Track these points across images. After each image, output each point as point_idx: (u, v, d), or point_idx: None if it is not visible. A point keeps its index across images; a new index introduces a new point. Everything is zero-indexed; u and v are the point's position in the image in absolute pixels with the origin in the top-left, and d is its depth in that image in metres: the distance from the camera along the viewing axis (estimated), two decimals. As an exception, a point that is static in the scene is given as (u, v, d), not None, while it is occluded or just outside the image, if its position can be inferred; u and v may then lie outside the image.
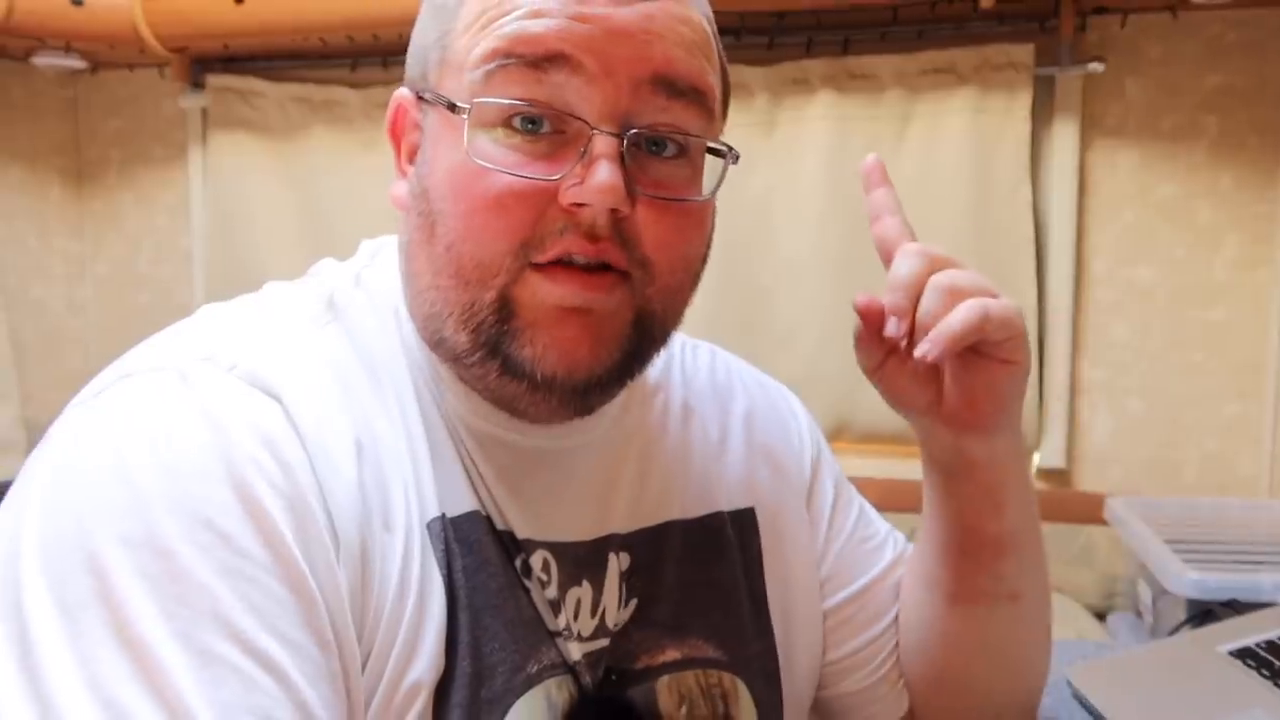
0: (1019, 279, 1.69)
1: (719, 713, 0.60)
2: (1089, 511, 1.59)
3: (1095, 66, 1.64)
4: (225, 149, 2.06)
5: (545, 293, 0.50)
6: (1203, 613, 1.08)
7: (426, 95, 0.53)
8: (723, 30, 0.56)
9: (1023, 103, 1.66)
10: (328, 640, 0.45)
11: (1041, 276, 1.71)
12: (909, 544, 0.75)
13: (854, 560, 0.71)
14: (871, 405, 1.79)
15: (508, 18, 0.50)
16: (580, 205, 0.49)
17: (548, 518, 0.57)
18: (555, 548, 0.57)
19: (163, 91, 2.16)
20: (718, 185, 0.55)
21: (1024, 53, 1.65)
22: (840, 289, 1.76)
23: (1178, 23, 1.64)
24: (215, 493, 0.44)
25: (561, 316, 0.50)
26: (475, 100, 0.49)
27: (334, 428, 0.49)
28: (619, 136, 0.49)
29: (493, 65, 0.49)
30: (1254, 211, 1.64)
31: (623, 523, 0.60)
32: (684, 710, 0.59)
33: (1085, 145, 1.70)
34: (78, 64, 2.03)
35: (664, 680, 0.59)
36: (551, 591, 0.56)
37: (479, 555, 0.53)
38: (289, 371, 0.50)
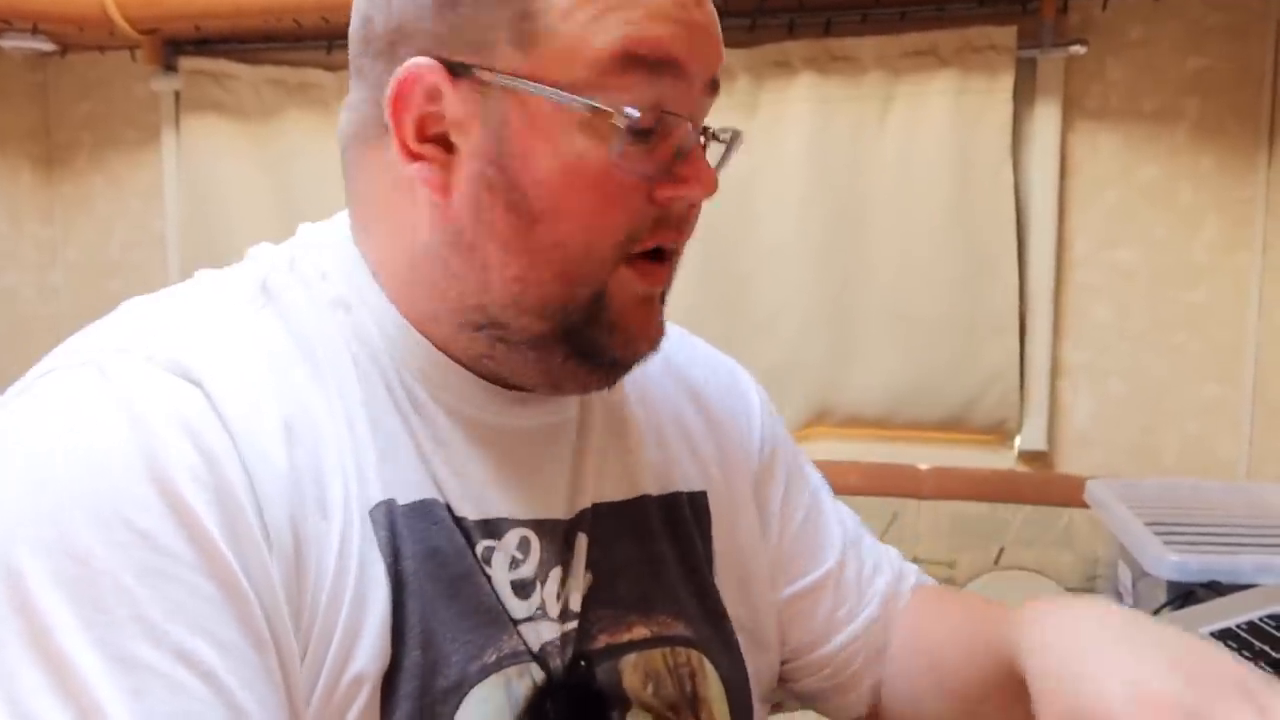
0: (1000, 261, 1.69)
1: (686, 691, 0.59)
2: (1070, 494, 1.60)
3: (1077, 49, 1.63)
4: (199, 132, 2.02)
5: (634, 286, 0.53)
6: (1183, 595, 1.08)
7: (495, 78, 0.49)
8: (704, 12, 0.56)
9: (1004, 85, 1.66)
10: (263, 638, 0.44)
11: (1023, 258, 1.71)
12: (863, 531, 0.74)
13: (801, 553, 0.71)
14: (853, 389, 1.80)
15: (629, 11, 0.49)
16: (675, 199, 0.52)
17: (528, 495, 0.56)
18: (538, 525, 0.56)
19: (134, 74, 2.11)
20: (721, 164, 0.58)
21: (1005, 35, 1.64)
22: (823, 273, 1.76)
23: (1159, 5, 1.64)
24: (134, 489, 0.42)
25: (643, 306, 0.54)
26: (634, 108, 0.49)
27: (261, 412, 0.47)
28: (705, 133, 0.54)
29: (627, 65, 0.49)
30: (1235, 195, 1.64)
31: (592, 498, 0.60)
32: (650, 689, 0.58)
33: (1067, 127, 1.69)
34: (46, 46, 1.99)
35: (629, 659, 0.58)
36: (528, 570, 0.55)
37: (432, 543, 0.51)
38: (211, 356, 0.48)
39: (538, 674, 0.54)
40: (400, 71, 0.50)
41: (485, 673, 0.51)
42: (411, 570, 0.50)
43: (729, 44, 2.01)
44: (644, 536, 0.61)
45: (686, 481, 0.65)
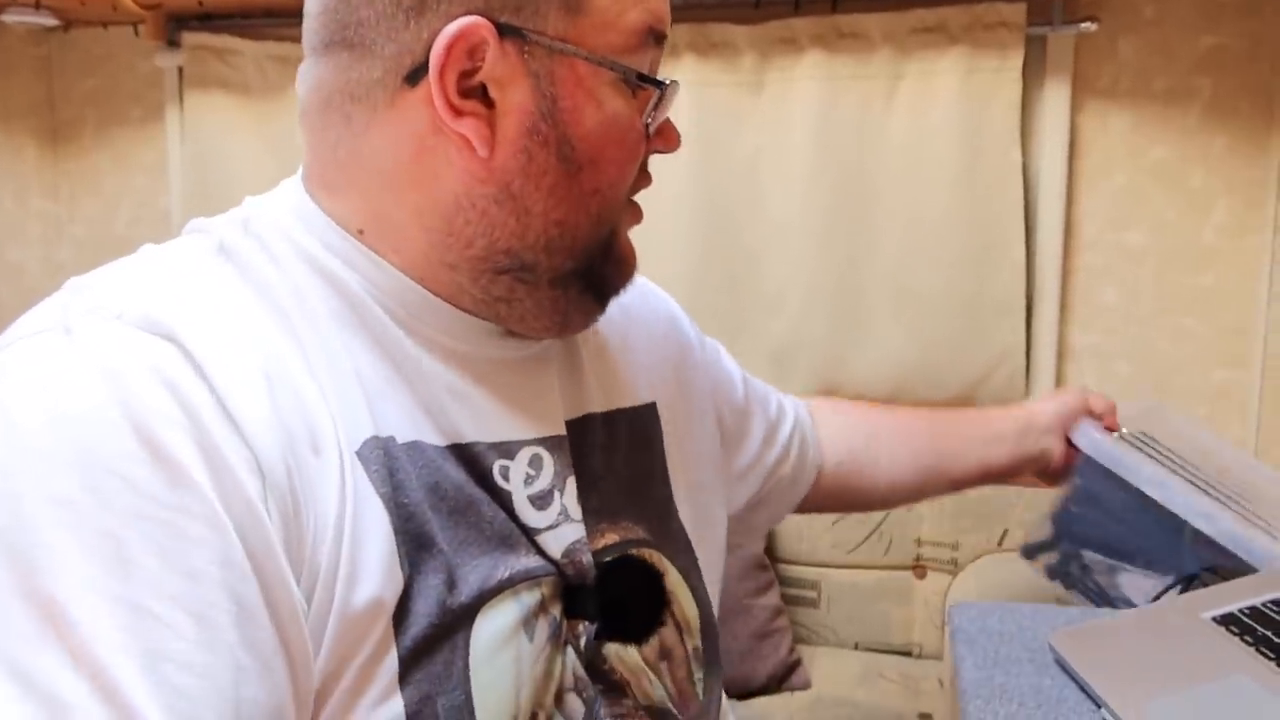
0: (1008, 242, 1.68)
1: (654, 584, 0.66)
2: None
3: (1088, 26, 1.62)
4: (203, 108, 2.01)
5: (630, 223, 0.62)
6: (1186, 579, 1.08)
7: (544, 40, 0.53)
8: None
9: (1014, 63, 1.64)
10: (247, 574, 0.44)
11: (1030, 239, 1.70)
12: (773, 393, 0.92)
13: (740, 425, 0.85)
14: (859, 368, 1.79)
15: None
16: (661, 152, 0.61)
17: (530, 417, 0.60)
18: (544, 442, 0.60)
19: (138, 50, 2.11)
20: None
21: (1015, 11, 1.63)
22: (829, 251, 1.75)
23: (1172, -19, 1.62)
24: (118, 443, 0.43)
25: (629, 240, 0.62)
26: (671, 80, 0.57)
27: (238, 362, 0.48)
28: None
29: (648, 38, 0.56)
30: (1246, 176, 1.62)
31: (565, 417, 0.64)
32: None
33: (1077, 107, 1.67)
34: (49, 21, 1.98)
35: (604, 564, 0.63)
36: (544, 483, 0.59)
37: (432, 478, 0.53)
38: (181, 311, 0.48)
39: (549, 585, 0.57)
40: (453, 28, 0.51)
41: (498, 589, 0.54)
42: (416, 501, 0.52)
43: (734, 20, 1.99)
44: (608, 447, 0.66)
45: (636, 395, 0.71)
